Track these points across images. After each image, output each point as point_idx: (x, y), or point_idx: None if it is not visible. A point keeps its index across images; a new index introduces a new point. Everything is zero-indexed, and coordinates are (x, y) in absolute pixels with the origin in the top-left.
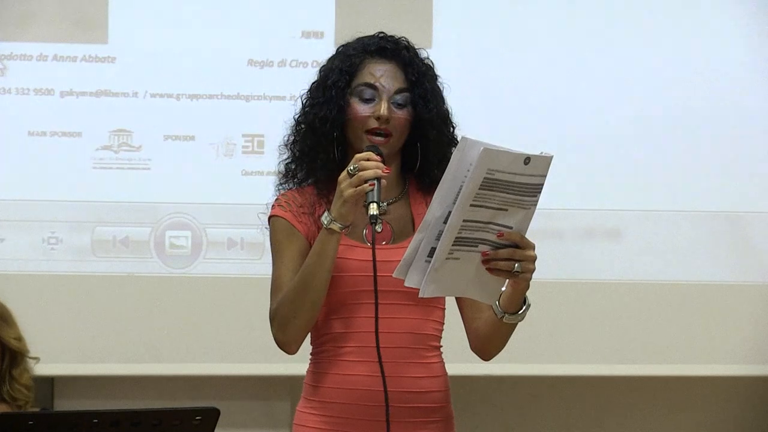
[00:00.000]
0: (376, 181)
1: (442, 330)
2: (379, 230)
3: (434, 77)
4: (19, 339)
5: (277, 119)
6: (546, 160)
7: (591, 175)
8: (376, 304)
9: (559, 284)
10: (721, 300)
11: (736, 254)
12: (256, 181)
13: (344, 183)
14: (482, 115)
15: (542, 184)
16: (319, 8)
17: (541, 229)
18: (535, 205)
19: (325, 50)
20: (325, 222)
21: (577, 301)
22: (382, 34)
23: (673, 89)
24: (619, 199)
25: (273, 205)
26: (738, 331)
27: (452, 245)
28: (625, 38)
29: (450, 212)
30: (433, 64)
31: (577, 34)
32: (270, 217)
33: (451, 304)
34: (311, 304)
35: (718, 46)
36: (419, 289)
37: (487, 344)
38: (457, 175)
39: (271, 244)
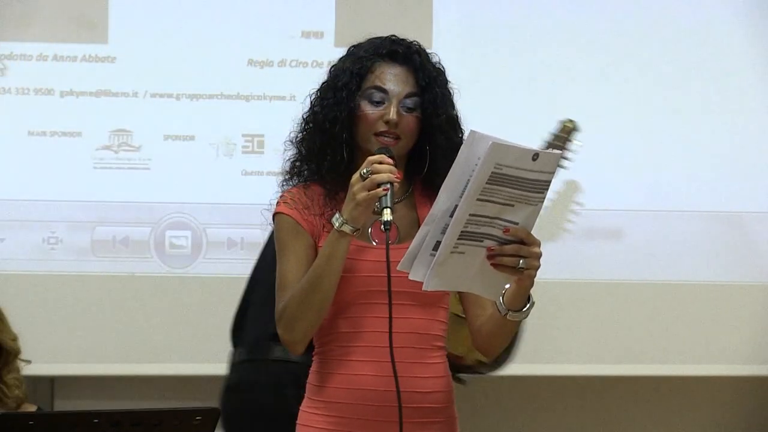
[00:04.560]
0: (389, 186)
1: (446, 330)
2: (388, 232)
3: (445, 82)
4: (15, 339)
5: (277, 119)
6: (554, 157)
7: (591, 175)
8: (390, 306)
9: (560, 284)
10: (721, 300)
11: (736, 254)
12: (256, 181)
13: (357, 186)
14: (482, 115)
15: (550, 181)
16: (319, 8)
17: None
18: (542, 201)
19: (325, 50)
20: (336, 224)
21: (577, 301)
22: (394, 37)
23: (674, 89)
24: (619, 199)
25: (278, 202)
26: (738, 331)
27: (457, 239)
28: (626, 38)
29: (456, 206)
30: (444, 68)
31: (578, 34)
32: (275, 214)
33: None
34: (319, 305)
35: (719, 45)
36: (423, 282)
37: (490, 342)
38: (465, 169)
39: (276, 242)
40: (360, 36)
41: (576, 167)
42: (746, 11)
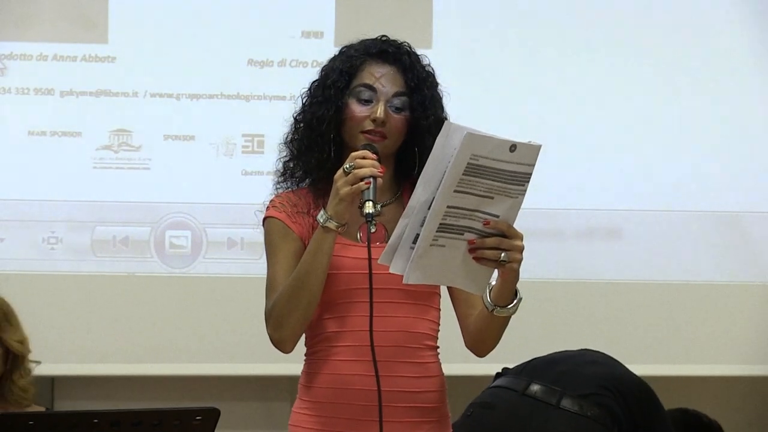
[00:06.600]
0: (371, 180)
1: (438, 330)
2: (373, 230)
3: (434, 84)
4: (22, 341)
5: (277, 119)
6: (534, 149)
7: (591, 175)
8: (371, 302)
9: (559, 284)
10: (721, 300)
11: (736, 254)
12: (256, 181)
13: (340, 181)
14: (482, 115)
15: (530, 174)
16: (319, 8)
17: (541, 229)
18: (523, 194)
19: (325, 50)
20: (321, 220)
21: (577, 301)
22: (384, 38)
23: (674, 89)
24: (619, 199)
25: (267, 207)
26: (738, 331)
27: (437, 232)
28: (625, 38)
29: (434, 198)
30: (434, 71)
31: (577, 33)
32: (264, 219)
33: (447, 304)
34: (307, 303)
35: (719, 45)
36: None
37: (480, 340)
38: (441, 160)
39: (265, 245)
40: (360, 36)
41: (577, 167)
42: (747, 11)
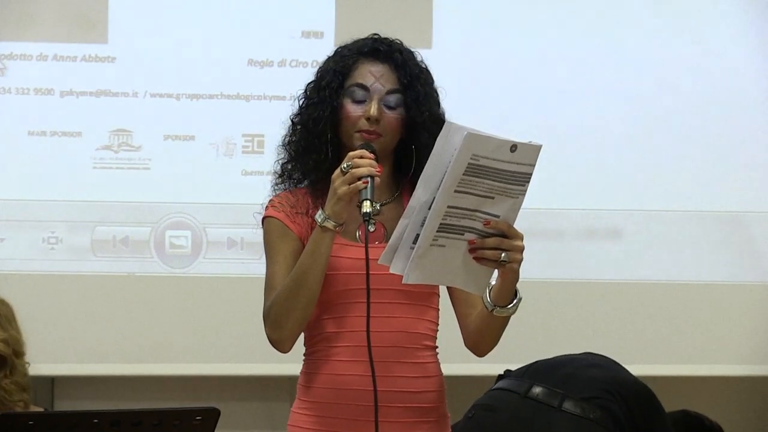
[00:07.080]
0: (369, 179)
1: (437, 330)
2: (372, 230)
3: (428, 81)
4: (6, 342)
5: (277, 119)
6: (534, 149)
7: (591, 175)
8: (368, 302)
9: (559, 284)
10: (721, 300)
11: (736, 254)
12: (256, 180)
13: (338, 181)
14: (482, 115)
15: (531, 174)
16: (319, 8)
17: (541, 229)
18: (524, 194)
19: (325, 50)
20: (319, 220)
21: (577, 301)
22: (376, 36)
23: (674, 89)
24: (619, 199)
25: (266, 207)
26: (738, 331)
27: (437, 232)
28: (625, 38)
29: (435, 198)
30: (428, 67)
31: (578, 34)
32: (263, 219)
33: (447, 304)
34: (305, 303)
35: (719, 45)
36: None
37: (479, 339)
38: (442, 161)
39: (264, 245)
40: (360, 36)
41: (577, 167)
42: (747, 10)
